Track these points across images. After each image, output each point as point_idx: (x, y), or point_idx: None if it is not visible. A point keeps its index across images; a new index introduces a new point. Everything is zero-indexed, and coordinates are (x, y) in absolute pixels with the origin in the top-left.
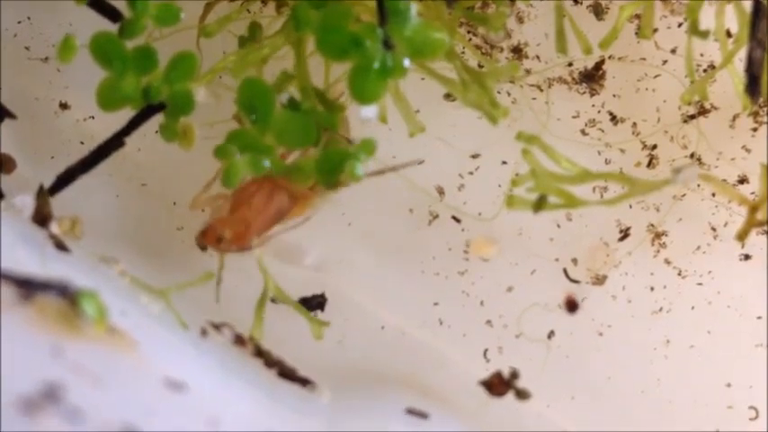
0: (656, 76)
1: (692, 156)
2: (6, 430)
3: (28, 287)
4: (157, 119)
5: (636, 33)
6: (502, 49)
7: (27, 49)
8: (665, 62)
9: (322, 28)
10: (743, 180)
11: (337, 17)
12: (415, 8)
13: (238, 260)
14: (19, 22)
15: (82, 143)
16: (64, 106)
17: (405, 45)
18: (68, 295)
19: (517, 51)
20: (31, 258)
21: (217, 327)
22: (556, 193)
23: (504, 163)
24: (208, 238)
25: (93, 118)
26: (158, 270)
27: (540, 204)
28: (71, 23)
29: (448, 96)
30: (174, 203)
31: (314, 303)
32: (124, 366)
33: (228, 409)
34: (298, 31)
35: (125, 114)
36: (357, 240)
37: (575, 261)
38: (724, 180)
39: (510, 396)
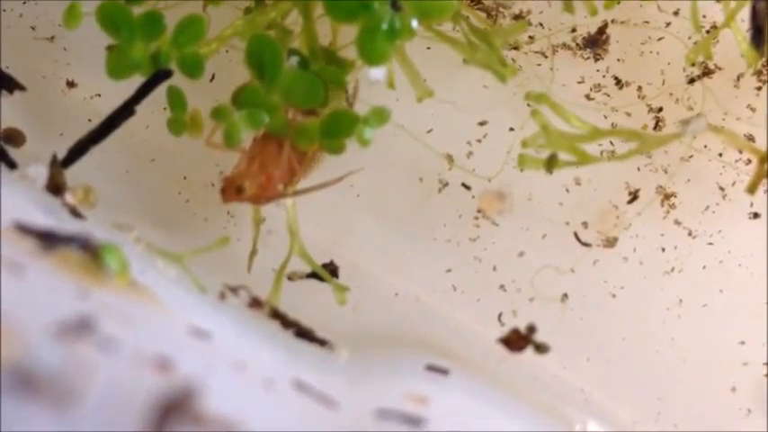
0: (659, 39)
1: (697, 116)
2: (43, 359)
3: (49, 240)
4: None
5: None
6: (504, 16)
7: (33, 28)
8: (668, 24)
9: None
10: (749, 138)
11: None
12: None
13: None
14: (24, 3)
15: (89, 120)
16: (71, 84)
17: (412, 6)
18: (90, 248)
19: (519, 19)
20: (47, 222)
21: (233, 289)
22: (567, 149)
23: (512, 129)
24: (228, 192)
25: (99, 96)
26: (172, 241)
27: (551, 162)
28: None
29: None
30: (185, 178)
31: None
32: (150, 313)
33: (253, 357)
34: None
35: (132, 92)
36: (367, 210)
37: (585, 224)
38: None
39: (526, 358)
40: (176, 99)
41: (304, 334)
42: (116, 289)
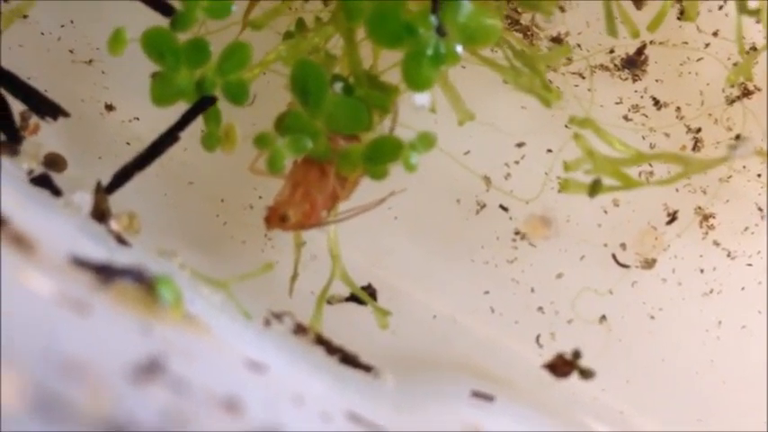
0: (698, 60)
1: (737, 137)
2: (133, 411)
3: (106, 273)
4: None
5: (678, 18)
6: (540, 38)
7: (71, 51)
8: (707, 45)
9: (375, 17)
10: None
11: (390, 5)
12: None
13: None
14: (62, 26)
15: (128, 144)
16: (109, 108)
17: (458, 32)
18: (144, 281)
19: (557, 41)
20: (97, 251)
21: (278, 316)
22: (613, 175)
23: (549, 151)
24: (272, 220)
25: (137, 119)
26: (210, 264)
27: (595, 187)
28: (114, 27)
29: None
30: (222, 200)
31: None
32: (207, 347)
33: (307, 389)
34: (350, 21)
35: (169, 115)
36: (405, 232)
37: (623, 246)
38: None
39: (565, 381)
40: (211, 114)
41: (349, 360)
42: (172, 322)
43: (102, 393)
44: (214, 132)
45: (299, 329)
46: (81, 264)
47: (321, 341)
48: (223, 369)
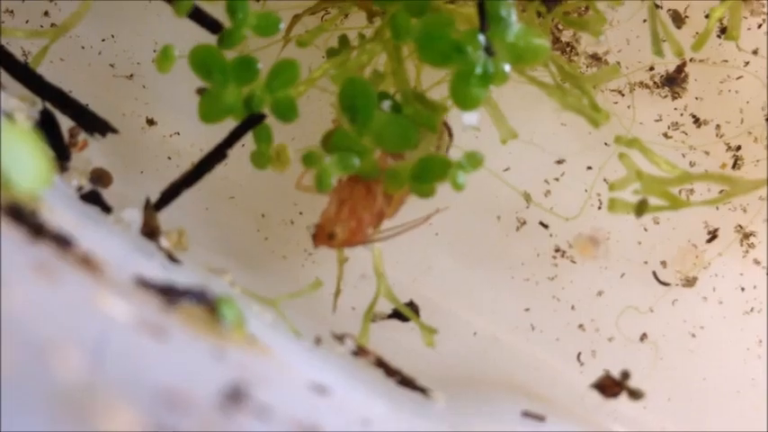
0: (738, 78)
1: None
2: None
3: (170, 294)
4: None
5: (718, 36)
6: (578, 53)
7: (112, 66)
8: (746, 63)
9: (423, 35)
10: None
11: (439, 24)
12: (515, 14)
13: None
14: (103, 40)
15: (169, 158)
16: (150, 122)
17: (506, 51)
18: (207, 301)
19: (596, 58)
20: (153, 269)
21: (339, 337)
22: (660, 194)
23: (589, 168)
24: (320, 237)
25: (178, 134)
26: (252, 280)
27: (642, 207)
28: (155, 42)
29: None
30: (263, 215)
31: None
32: (271, 368)
33: (371, 411)
34: (397, 39)
35: (210, 130)
36: (446, 249)
37: (664, 264)
38: None
39: (606, 399)
40: (262, 133)
41: (406, 382)
42: (237, 344)
43: (204, 424)
44: (265, 152)
45: (361, 351)
46: (146, 285)
47: (380, 363)
48: (294, 393)
